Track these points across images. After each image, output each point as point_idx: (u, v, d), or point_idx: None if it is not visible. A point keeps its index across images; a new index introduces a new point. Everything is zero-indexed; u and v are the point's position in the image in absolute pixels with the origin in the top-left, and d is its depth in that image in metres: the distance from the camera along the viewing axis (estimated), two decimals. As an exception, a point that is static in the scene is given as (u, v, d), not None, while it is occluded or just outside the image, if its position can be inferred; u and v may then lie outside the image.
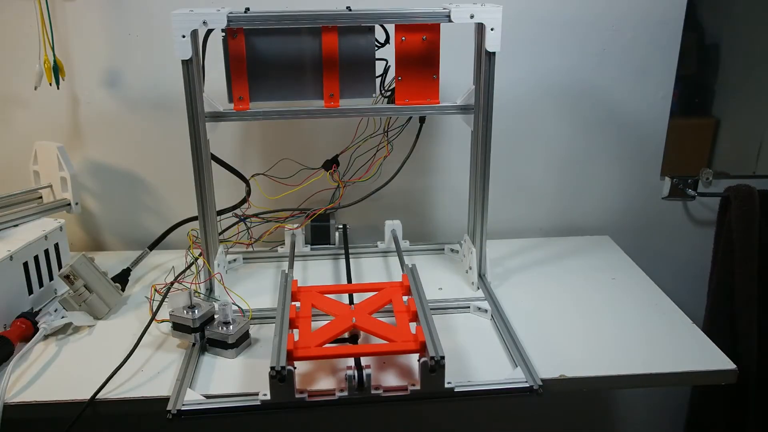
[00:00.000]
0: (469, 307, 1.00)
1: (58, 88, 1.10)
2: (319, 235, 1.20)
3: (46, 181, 1.13)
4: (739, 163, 1.32)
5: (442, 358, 0.74)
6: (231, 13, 0.90)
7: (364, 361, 0.79)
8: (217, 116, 0.98)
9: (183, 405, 0.77)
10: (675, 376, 0.86)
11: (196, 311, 0.88)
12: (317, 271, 1.14)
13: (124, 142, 1.21)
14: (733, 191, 1.26)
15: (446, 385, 0.76)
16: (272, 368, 0.73)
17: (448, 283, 1.08)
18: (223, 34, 0.94)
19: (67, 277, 0.94)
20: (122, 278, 1.06)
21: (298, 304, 0.90)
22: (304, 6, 0.99)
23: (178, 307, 0.89)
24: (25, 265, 0.97)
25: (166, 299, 0.97)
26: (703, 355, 0.89)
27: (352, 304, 0.92)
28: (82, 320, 0.96)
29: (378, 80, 1.02)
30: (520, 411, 1.47)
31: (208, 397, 0.79)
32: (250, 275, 1.13)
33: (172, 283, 1.02)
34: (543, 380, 0.81)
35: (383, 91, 1.04)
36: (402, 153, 1.15)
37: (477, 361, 0.87)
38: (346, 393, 0.77)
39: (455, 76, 1.05)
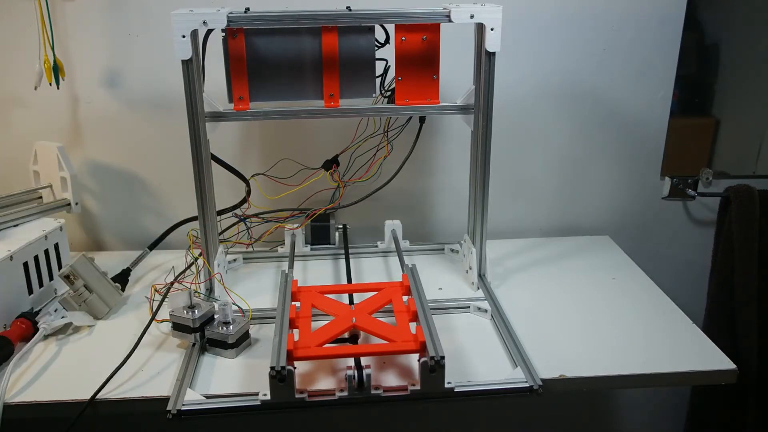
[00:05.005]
0: (469, 307, 1.00)
1: (58, 88, 1.10)
2: (319, 235, 1.20)
3: (46, 181, 1.13)
4: (739, 163, 1.32)
5: (442, 358, 0.74)
6: (231, 13, 0.90)
7: (364, 361, 0.79)
8: (217, 116, 0.98)
9: (183, 405, 0.77)
10: (675, 376, 0.86)
11: (196, 311, 0.88)
12: (317, 271, 1.14)
13: (124, 142, 1.21)
14: (733, 191, 1.26)
15: (446, 385, 0.76)
16: (272, 368, 0.73)
17: (448, 283, 1.08)
18: (223, 34, 0.94)
19: (67, 277, 0.94)
20: (122, 278, 1.06)
21: (298, 304, 0.90)
22: (304, 6, 0.99)
23: (178, 307, 0.89)
24: (25, 265, 0.97)
25: (166, 299, 0.97)
26: (703, 355, 0.89)
27: (352, 304, 0.92)
28: (82, 320, 0.96)
29: (378, 80, 1.02)
30: (520, 411, 1.47)
31: (208, 397, 0.79)
32: (250, 275, 1.13)
33: (172, 283, 1.02)
34: (543, 380, 0.81)
35: (383, 91, 1.04)
36: (402, 153, 1.15)
37: (477, 361, 0.87)
38: (346, 393, 0.77)
39: (455, 76, 1.05)
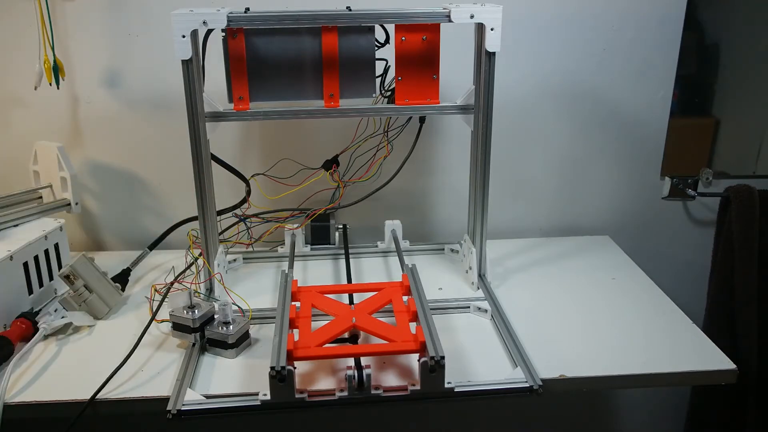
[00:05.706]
0: (469, 307, 1.00)
1: (58, 88, 1.10)
2: (319, 235, 1.20)
3: (46, 181, 1.13)
4: (739, 163, 1.32)
5: (442, 358, 0.74)
6: (231, 13, 0.90)
7: (364, 361, 0.79)
8: (217, 116, 0.98)
9: (183, 405, 0.77)
10: (675, 376, 0.86)
11: (196, 311, 0.88)
12: (317, 271, 1.14)
13: (124, 142, 1.21)
14: (733, 191, 1.26)
15: (446, 385, 0.76)
16: (272, 368, 0.73)
17: (448, 283, 1.08)
18: (223, 34, 0.94)
19: (67, 277, 0.94)
20: (122, 278, 1.06)
21: (298, 304, 0.90)
22: (304, 6, 0.99)
23: (178, 307, 0.89)
24: (25, 265, 0.97)
25: (166, 299, 0.97)
26: (702, 355, 0.89)
27: (352, 304, 0.92)
28: (82, 320, 0.96)
29: (378, 80, 1.02)
30: (520, 411, 1.47)
31: (208, 397, 0.79)
32: (250, 275, 1.13)
33: (172, 283, 1.02)
34: (543, 380, 0.81)
35: (383, 91, 1.04)
36: (402, 153, 1.15)
37: (477, 361, 0.87)
38: (346, 393, 0.77)
39: (455, 76, 1.05)
